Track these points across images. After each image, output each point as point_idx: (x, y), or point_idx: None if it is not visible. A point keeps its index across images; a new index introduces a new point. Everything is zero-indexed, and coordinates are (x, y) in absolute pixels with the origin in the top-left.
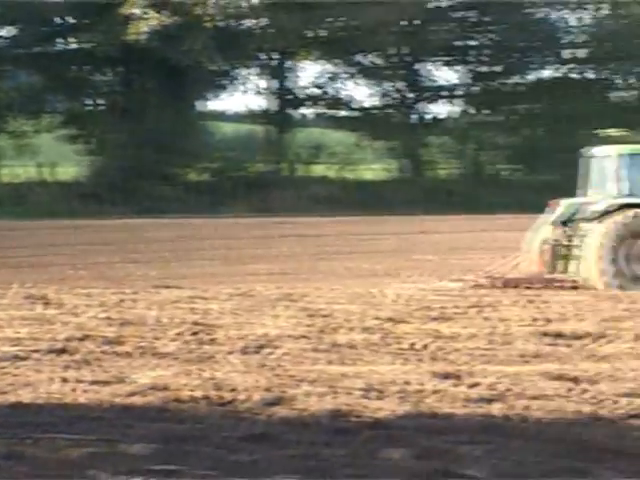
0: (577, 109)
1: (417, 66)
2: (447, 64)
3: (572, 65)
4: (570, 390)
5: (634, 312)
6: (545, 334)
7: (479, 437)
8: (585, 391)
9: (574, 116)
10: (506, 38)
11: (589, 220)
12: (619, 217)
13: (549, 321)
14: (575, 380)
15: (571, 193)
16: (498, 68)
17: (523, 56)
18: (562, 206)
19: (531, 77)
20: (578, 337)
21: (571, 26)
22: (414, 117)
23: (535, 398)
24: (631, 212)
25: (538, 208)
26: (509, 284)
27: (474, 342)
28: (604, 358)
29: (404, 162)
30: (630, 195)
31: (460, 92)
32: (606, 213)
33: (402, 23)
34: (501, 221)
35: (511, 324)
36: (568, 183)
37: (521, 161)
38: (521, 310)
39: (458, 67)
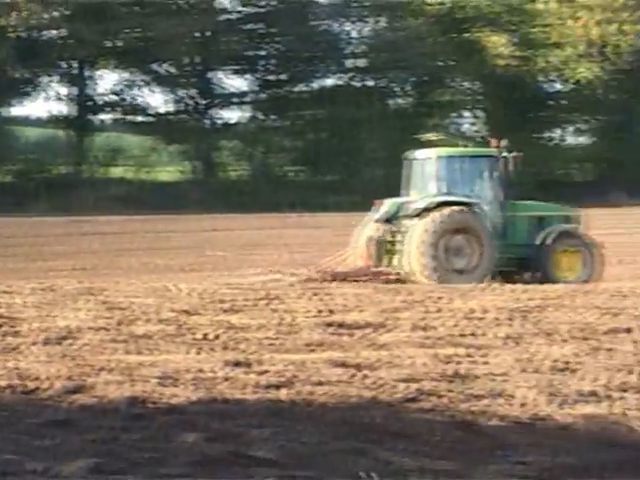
0: (358, 115)
1: (209, 74)
2: (237, 72)
3: (353, 74)
4: (352, 376)
5: (411, 303)
6: (329, 324)
7: (268, 421)
8: (366, 377)
9: (355, 121)
10: (292, 48)
11: (411, 217)
12: (438, 214)
13: (332, 312)
14: (357, 367)
15: (354, 192)
16: (284, 76)
17: (308, 65)
18: (386, 205)
19: (315, 85)
20: (359, 327)
21: (352, 37)
22: (207, 122)
23: (320, 384)
24: (449, 209)
25: (322, 207)
26: (338, 277)
27: (263, 332)
28: (383, 346)
29: (197, 164)
30: (448, 194)
31: (249, 99)
32: (426, 210)
33: (195, 34)
34: (288, 219)
35: (297, 315)
36: (348, 183)
37: (306, 163)
38: (307, 302)
39: (247, 75)
